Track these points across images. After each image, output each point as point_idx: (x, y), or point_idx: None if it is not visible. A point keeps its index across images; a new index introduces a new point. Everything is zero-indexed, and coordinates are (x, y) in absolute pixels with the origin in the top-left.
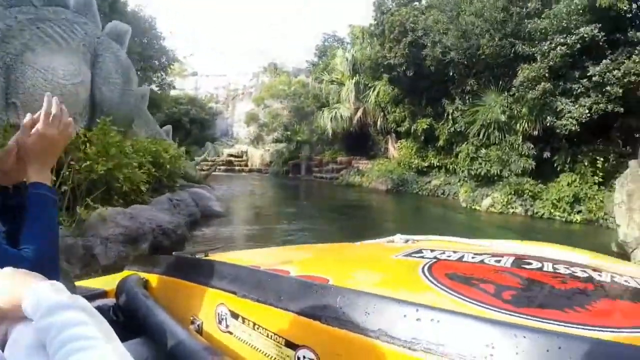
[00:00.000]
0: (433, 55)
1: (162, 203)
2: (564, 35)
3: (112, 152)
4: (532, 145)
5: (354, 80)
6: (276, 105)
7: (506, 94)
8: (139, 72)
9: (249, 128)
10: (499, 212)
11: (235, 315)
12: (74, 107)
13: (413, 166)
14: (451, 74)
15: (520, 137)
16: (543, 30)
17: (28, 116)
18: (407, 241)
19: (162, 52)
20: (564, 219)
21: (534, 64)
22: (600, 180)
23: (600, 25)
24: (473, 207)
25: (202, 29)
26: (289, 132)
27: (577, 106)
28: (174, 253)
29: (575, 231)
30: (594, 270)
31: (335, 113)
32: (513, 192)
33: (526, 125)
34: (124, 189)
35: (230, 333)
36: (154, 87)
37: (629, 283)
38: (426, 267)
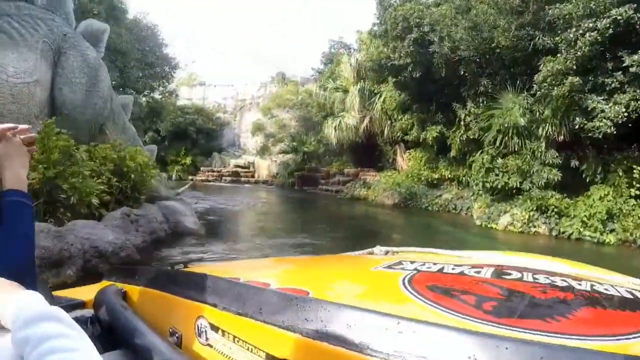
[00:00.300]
0: (441, 53)
1: (116, 218)
2: (593, 20)
3: (55, 158)
4: (556, 153)
5: (358, 86)
6: (283, 115)
7: (525, 93)
8: (140, 80)
9: (256, 138)
10: (519, 231)
11: (215, 328)
12: (28, 107)
13: (422, 178)
14: (462, 73)
15: (544, 143)
16: (567, 16)
17: None
18: (386, 253)
19: (164, 60)
20: (595, 240)
21: (559, 56)
22: (637, 193)
23: (635, 5)
24: (488, 225)
25: (201, 29)
26: (295, 143)
27: (611, 104)
28: (153, 264)
29: (609, 254)
30: (574, 279)
31: (340, 122)
32: (535, 208)
33: (550, 129)
34: (72, 200)
35: (210, 346)
36: (156, 95)
37: (608, 291)
38: (406, 279)
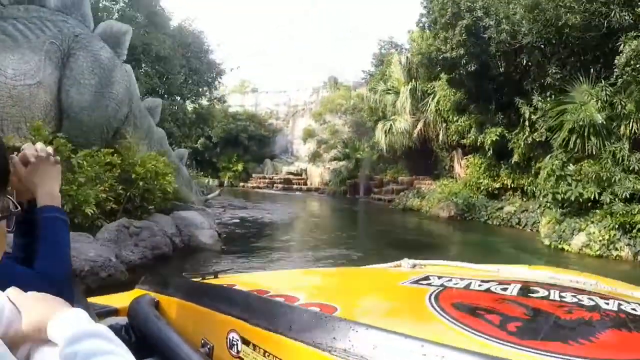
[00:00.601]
0: (498, 39)
1: (111, 231)
2: None
3: None
4: None
5: (409, 87)
6: (336, 120)
7: (603, 83)
8: (185, 86)
9: (307, 145)
10: (597, 254)
11: (246, 342)
12: (30, 110)
13: (482, 188)
14: (524, 63)
15: (627, 144)
16: None
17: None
18: (414, 266)
19: (210, 65)
20: None
21: None
22: None
23: None
24: (559, 245)
25: (208, 31)
26: (348, 149)
27: None
28: (184, 274)
29: None
30: (602, 297)
31: (391, 126)
32: (617, 226)
33: (635, 126)
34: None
35: (241, 359)
36: (204, 101)
37: (636, 311)
38: (433, 296)
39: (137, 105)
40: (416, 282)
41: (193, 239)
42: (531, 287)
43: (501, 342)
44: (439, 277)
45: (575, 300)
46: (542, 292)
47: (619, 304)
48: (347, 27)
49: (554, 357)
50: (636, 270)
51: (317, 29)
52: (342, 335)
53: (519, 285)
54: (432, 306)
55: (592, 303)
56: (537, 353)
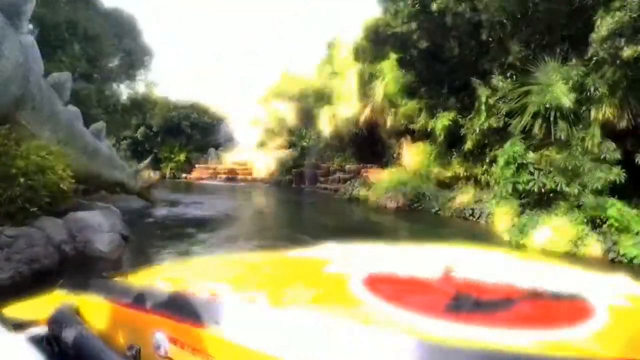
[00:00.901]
0: (456, 10)
1: None
2: None
3: None
4: (614, 145)
5: (356, 69)
6: (283, 107)
7: (574, 61)
8: (118, 69)
9: (253, 133)
10: (564, 251)
11: (173, 341)
12: None
13: (432, 176)
14: (485, 39)
15: (598, 131)
16: None
17: None
18: (338, 249)
19: (143, 47)
20: None
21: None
22: None
23: None
24: (520, 240)
25: (198, 31)
26: (294, 137)
27: None
28: (104, 274)
29: None
30: (518, 273)
31: (335, 112)
32: (586, 220)
33: (608, 112)
34: None
35: (170, 359)
36: (141, 86)
37: (550, 285)
38: (357, 281)
39: (37, 84)
40: (340, 267)
41: (88, 246)
42: (453, 267)
43: (427, 320)
44: (363, 261)
45: (494, 276)
46: (463, 271)
47: (535, 279)
48: (337, 28)
49: (476, 330)
50: (607, 269)
51: (307, 30)
52: (268, 326)
53: (441, 266)
54: (357, 290)
55: (509, 279)
56: (461, 327)
